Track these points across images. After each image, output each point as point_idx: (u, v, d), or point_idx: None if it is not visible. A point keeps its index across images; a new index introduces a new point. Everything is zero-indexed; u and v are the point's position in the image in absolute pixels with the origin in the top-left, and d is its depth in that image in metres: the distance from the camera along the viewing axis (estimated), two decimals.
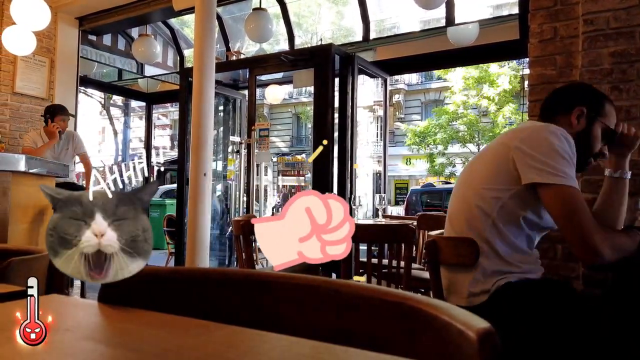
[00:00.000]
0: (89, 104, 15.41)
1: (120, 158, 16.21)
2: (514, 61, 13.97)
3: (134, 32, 6.23)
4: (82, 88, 6.38)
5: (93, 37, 5.82)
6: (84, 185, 5.02)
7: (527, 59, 2.42)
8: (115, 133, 16.36)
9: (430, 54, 4.47)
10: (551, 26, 2.31)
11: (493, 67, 14.48)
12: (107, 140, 21.62)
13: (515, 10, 3.88)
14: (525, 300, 1.31)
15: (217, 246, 5.57)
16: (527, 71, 2.46)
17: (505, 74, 14.43)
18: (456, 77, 15.25)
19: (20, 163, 2.70)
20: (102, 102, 15.52)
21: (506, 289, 1.32)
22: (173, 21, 6.13)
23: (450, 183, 14.34)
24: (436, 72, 17.69)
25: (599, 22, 2.04)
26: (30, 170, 2.81)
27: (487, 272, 1.35)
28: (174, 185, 8.97)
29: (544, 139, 1.32)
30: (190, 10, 3.87)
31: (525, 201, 1.35)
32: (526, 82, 2.55)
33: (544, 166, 1.28)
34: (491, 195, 1.37)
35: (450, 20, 4.06)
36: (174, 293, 0.62)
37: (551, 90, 1.63)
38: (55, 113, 3.95)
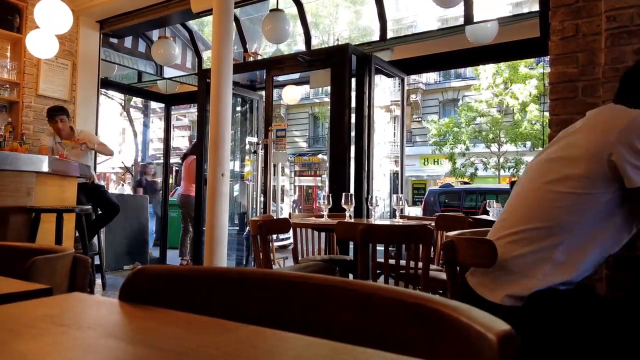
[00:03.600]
0: (110, 105, 15.67)
1: (140, 159, 16.43)
2: (537, 61, 13.77)
3: (154, 34, 6.32)
4: (103, 90, 6.49)
5: (114, 40, 5.92)
6: (104, 185, 5.12)
7: (548, 57, 2.38)
8: (135, 134, 16.59)
9: (448, 53, 4.42)
10: (573, 23, 2.27)
11: (522, 67, 14.30)
12: (127, 141, 21.96)
13: (536, 7, 3.82)
14: (557, 309, 1.26)
15: (234, 246, 5.62)
16: (548, 69, 2.41)
17: (532, 77, 14.20)
18: (487, 73, 15.02)
19: (44, 164, 2.76)
20: (122, 104, 15.77)
21: (538, 296, 1.26)
22: (191, 23, 6.19)
23: (468, 183, 14.18)
24: (456, 70, 17.53)
25: (622, 19, 2.00)
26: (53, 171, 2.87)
27: (542, 279, 1.25)
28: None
29: None
30: (208, 12, 3.91)
31: (620, 211, 1.21)
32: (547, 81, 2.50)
33: None
34: (578, 197, 1.23)
35: (468, 18, 4.02)
36: (192, 292, 0.63)
37: (634, 67, 1.42)
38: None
